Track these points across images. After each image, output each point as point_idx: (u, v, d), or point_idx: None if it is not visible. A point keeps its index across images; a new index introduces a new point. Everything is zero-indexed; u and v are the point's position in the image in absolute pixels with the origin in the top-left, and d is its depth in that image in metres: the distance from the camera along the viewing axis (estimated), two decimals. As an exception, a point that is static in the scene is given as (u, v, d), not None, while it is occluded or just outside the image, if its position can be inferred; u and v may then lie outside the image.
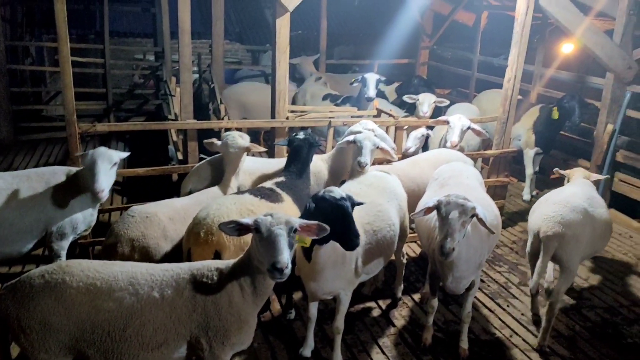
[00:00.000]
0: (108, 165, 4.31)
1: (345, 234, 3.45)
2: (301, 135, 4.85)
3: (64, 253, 4.64)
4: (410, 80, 9.26)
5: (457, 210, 3.62)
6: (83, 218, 4.59)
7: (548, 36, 9.57)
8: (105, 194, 4.28)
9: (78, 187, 4.46)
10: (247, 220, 3.06)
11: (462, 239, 3.69)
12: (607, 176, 6.39)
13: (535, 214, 4.82)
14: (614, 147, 7.41)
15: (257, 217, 3.02)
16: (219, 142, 4.85)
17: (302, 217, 3.42)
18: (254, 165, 5.29)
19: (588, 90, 8.98)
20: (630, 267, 6.18)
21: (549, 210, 4.60)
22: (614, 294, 5.56)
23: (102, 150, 4.36)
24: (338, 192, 3.54)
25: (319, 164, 5.36)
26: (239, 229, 3.07)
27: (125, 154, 4.54)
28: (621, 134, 7.50)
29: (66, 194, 4.45)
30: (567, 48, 9.69)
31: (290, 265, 2.88)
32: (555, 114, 7.41)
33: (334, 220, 3.37)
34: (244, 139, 4.83)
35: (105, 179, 4.28)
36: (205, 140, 5.01)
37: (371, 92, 7.41)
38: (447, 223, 3.63)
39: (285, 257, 2.87)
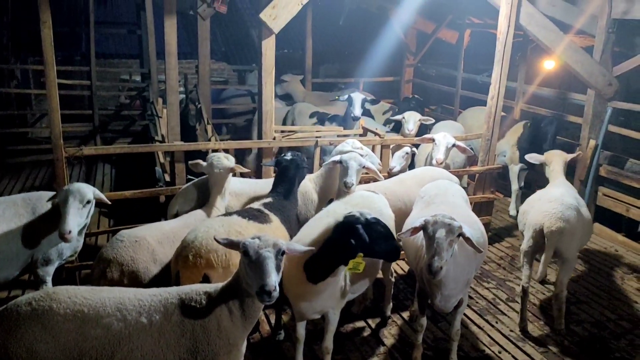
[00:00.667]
0: (79, 204, 4.24)
1: (387, 250, 3.67)
2: (288, 156, 4.88)
3: (49, 279, 4.61)
4: (408, 101, 9.30)
5: (444, 229, 3.66)
6: (69, 245, 4.56)
7: (530, 53, 9.74)
8: (72, 236, 4.16)
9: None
10: (237, 240, 3.09)
11: (450, 258, 3.72)
12: (579, 153, 6.48)
13: (533, 212, 5.09)
14: (597, 162, 7.53)
15: (245, 240, 3.04)
16: (204, 163, 4.87)
17: (357, 239, 3.57)
18: (241, 186, 5.30)
19: (570, 106, 9.13)
20: (615, 280, 6.25)
21: (548, 208, 4.96)
22: (601, 308, 5.61)
23: (76, 187, 4.27)
24: (366, 214, 3.69)
25: (307, 184, 5.38)
26: (230, 244, 3.13)
27: (103, 198, 4.51)
28: (604, 148, 7.63)
29: (52, 223, 4.41)
30: (548, 65, 9.87)
31: (278, 288, 2.90)
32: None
33: (373, 239, 3.58)
34: (229, 160, 4.87)
35: (75, 219, 4.19)
36: (190, 162, 5.03)
37: (357, 111, 7.47)
38: (434, 242, 3.66)
39: (273, 279, 2.88)
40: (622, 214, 7.31)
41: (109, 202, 4.62)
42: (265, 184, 5.30)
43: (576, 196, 5.38)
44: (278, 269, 2.98)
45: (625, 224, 7.46)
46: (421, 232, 3.97)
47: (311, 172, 4.98)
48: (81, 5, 10.72)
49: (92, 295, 3.09)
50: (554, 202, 5.02)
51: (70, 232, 4.13)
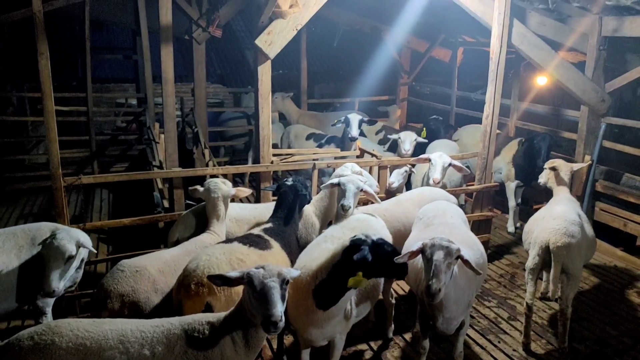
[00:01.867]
0: (61, 262, 4.19)
1: (392, 269, 3.68)
2: (289, 181, 4.90)
3: (49, 310, 4.59)
4: (428, 123, 9.34)
5: (442, 252, 3.66)
6: (68, 275, 4.55)
7: (522, 70, 9.85)
8: (58, 293, 4.17)
9: None
10: (236, 273, 3.09)
11: (449, 280, 3.72)
12: (588, 163, 6.46)
13: (538, 229, 5.13)
14: (592, 177, 7.58)
15: (250, 270, 3.05)
16: (201, 189, 4.90)
17: (359, 260, 3.56)
18: (241, 212, 5.32)
19: (564, 123, 9.22)
20: (616, 296, 6.25)
21: (553, 224, 5.02)
22: (603, 324, 5.61)
23: (57, 242, 4.18)
24: (375, 235, 3.71)
25: (307, 208, 5.40)
26: (226, 282, 3.11)
27: (91, 248, 4.47)
28: (599, 163, 7.69)
29: None
30: (541, 81, 9.98)
31: (284, 318, 2.90)
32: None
33: (378, 260, 3.59)
34: (226, 185, 4.90)
35: (58, 276, 4.17)
36: (190, 188, 5.06)
37: (354, 132, 7.52)
38: (432, 265, 3.66)
39: (279, 310, 2.89)
40: (619, 228, 7.33)
41: (95, 252, 4.62)
42: (264, 209, 5.31)
43: (580, 212, 5.45)
44: (283, 298, 2.99)
45: (624, 238, 7.48)
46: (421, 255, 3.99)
47: (307, 196, 4.97)
48: (77, 31, 10.81)
49: (94, 328, 3.08)
50: (558, 219, 5.08)
51: (54, 290, 4.14)
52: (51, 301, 4.59)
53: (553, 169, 5.84)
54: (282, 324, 2.89)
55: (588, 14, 7.21)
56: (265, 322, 2.89)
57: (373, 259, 3.57)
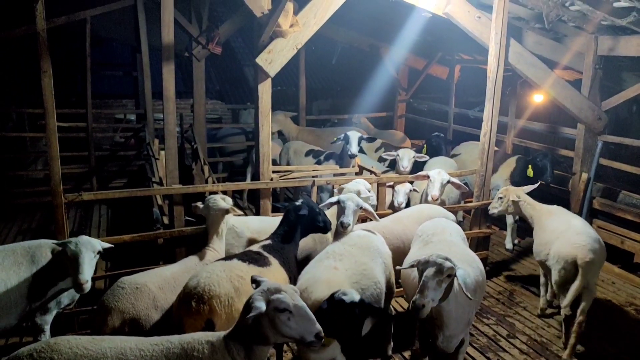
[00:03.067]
0: (92, 254, 4.31)
1: (347, 339, 3.49)
2: (299, 202, 4.94)
3: (47, 327, 4.58)
4: (429, 140, 9.41)
5: (434, 269, 3.67)
6: (67, 293, 4.56)
7: (519, 88, 9.96)
8: (88, 286, 4.23)
9: (62, 266, 4.40)
10: (259, 302, 3.09)
11: (437, 297, 3.69)
12: (537, 185, 6.56)
13: (561, 244, 5.26)
14: (590, 195, 7.63)
15: (274, 300, 3.09)
16: (201, 205, 4.97)
17: (315, 314, 3.43)
18: (261, 225, 5.43)
19: (561, 140, 9.30)
20: (614, 313, 6.26)
21: (578, 240, 5.19)
22: (601, 342, 5.62)
23: (86, 239, 4.34)
24: (351, 295, 3.53)
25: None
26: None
27: (107, 245, 4.54)
28: (596, 181, 7.74)
29: (51, 273, 4.42)
30: (537, 98, 10.08)
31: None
32: (530, 172, 7.75)
33: (340, 322, 3.43)
34: (225, 201, 4.99)
35: (89, 269, 4.26)
36: (192, 204, 5.13)
37: (354, 149, 7.56)
38: (421, 279, 3.69)
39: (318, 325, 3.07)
40: (617, 245, 7.36)
41: (113, 246, 4.66)
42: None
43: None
44: None
45: (621, 256, 7.50)
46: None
47: (316, 220, 4.99)
48: (77, 48, 10.88)
49: (93, 346, 3.08)
50: (582, 235, 5.27)
51: (87, 281, 4.20)
52: (50, 318, 4.58)
53: (516, 198, 6.07)
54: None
55: (584, 34, 7.31)
56: (315, 339, 3.07)
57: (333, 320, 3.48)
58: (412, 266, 3.88)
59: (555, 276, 5.27)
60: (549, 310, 6.19)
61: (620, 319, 6.15)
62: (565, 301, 5.13)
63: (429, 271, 3.66)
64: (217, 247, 4.88)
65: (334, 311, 3.41)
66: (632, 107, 15.20)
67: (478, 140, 7.03)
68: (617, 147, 9.62)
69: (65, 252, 4.25)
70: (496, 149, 7.48)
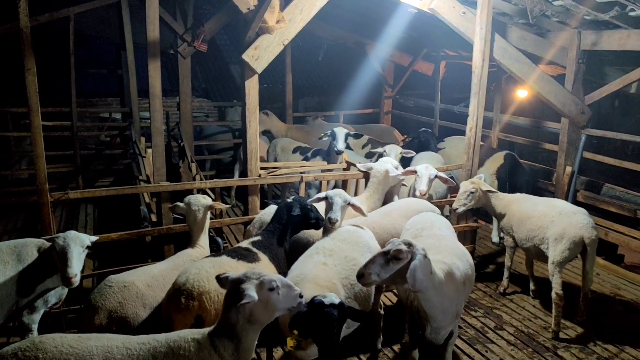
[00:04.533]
0: (80, 249, 4.27)
1: (323, 343, 3.45)
2: (290, 200, 4.98)
3: (35, 327, 4.55)
4: (418, 135, 9.51)
5: (386, 248, 3.71)
6: (54, 291, 4.53)
7: (504, 84, 10.04)
8: (77, 280, 4.19)
9: (50, 264, 4.37)
10: (251, 290, 3.12)
11: (385, 275, 3.67)
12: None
13: (561, 225, 5.53)
14: (574, 188, 7.73)
15: (265, 282, 3.16)
16: (182, 204, 4.98)
17: (293, 318, 3.49)
18: None
19: (545, 134, 9.41)
20: (599, 304, 6.36)
21: (580, 219, 5.53)
22: (587, 332, 5.70)
23: (74, 234, 4.31)
24: (330, 298, 3.52)
25: None
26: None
27: (95, 238, 4.51)
28: (580, 174, 7.85)
29: (38, 271, 4.38)
30: (522, 94, 10.18)
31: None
32: None
33: (318, 325, 3.42)
34: (205, 198, 5.02)
35: (78, 264, 4.23)
36: (169, 206, 5.19)
37: (340, 145, 7.59)
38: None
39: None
40: (601, 237, 7.45)
41: (98, 237, 4.63)
42: None
43: None
44: None
45: (605, 247, 7.60)
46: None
47: (308, 217, 5.02)
48: (61, 46, 10.78)
49: (79, 344, 3.05)
50: (580, 214, 5.61)
51: (75, 275, 4.16)
52: (37, 317, 4.55)
53: (485, 192, 6.27)
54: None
55: (567, 29, 7.40)
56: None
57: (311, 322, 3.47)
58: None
59: (558, 257, 5.49)
60: (509, 289, 6.59)
61: (605, 309, 6.24)
62: (587, 279, 5.67)
63: (387, 247, 3.73)
64: (202, 243, 4.92)
65: (313, 314, 3.43)
66: (615, 102, 15.45)
67: (463, 135, 7.09)
68: (600, 141, 9.76)
69: (54, 247, 4.22)
70: (481, 143, 7.55)
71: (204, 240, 4.91)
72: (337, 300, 3.48)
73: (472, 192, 6.26)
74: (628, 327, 5.84)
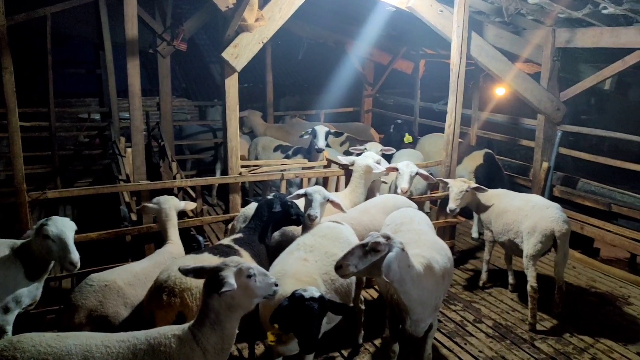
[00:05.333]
0: (73, 233, 4.29)
1: (304, 336, 3.49)
2: (271, 197, 5.02)
3: (9, 327, 4.46)
4: (392, 132, 9.65)
5: (364, 240, 3.78)
6: (28, 292, 4.44)
7: (482, 81, 10.18)
8: (78, 267, 4.21)
9: (26, 260, 4.31)
10: (230, 278, 3.16)
11: (362, 266, 3.72)
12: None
13: (534, 219, 5.67)
14: (550, 183, 7.88)
15: (243, 270, 3.21)
16: (152, 205, 5.04)
17: (274, 312, 3.53)
18: None
19: (522, 131, 9.55)
20: (575, 297, 6.49)
21: (552, 213, 5.66)
22: (563, 324, 5.82)
23: (61, 219, 4.30)
24: (311, 292, 3.55)
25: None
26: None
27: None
28: (556, 170, 8.00)
29: (10, 270, 4.30)
30: (499, 91, 10.33)
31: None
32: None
33: (298, 318, 3.45)
34: (174, 199, 5.12)
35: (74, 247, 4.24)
36: (137, 207, 5.28)
37: (321, 143, 7.64)
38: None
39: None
40: (577, 231, 7.61)
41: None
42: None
43: None
44: None
45: (581, 241, 7.76)
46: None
47: (288, 214, 5.05)
48: (38, 46, 10.65)
49: (57, 343, 3.03)
50: (553, 208, 5.76)
51: (79, 259, 4.18)
52: (11, 318, 4.46)
53: (473, 189, 6.31)
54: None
55: (542, 27, 7.54)
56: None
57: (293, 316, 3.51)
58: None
59: (531, 250, 5.62)
60: (488, 283, 6.72)
61: (581, 302, 6.38)
62: (558, 272, 5.79)
63: (365, 240, 3.78)
64: (175, 238, 4.97)
65: (294, 308, 3.47)
66: (591, 99, 15.70)
67: (442, 132, 7.18)
68: (576, 138, 9.93)
69: (46, 236, 4.16)
70: (460, 140, 7.66)
71: (176, 235, 4.99)
72: (317, 294, 3.52)
73: (465, 191, 6.29)
74: (603, 319, 5.98)
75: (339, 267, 3.72)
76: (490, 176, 8.08)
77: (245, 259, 4.45)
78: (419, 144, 9.71)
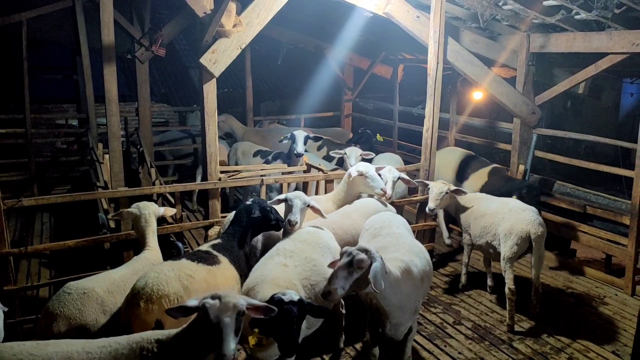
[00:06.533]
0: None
1: (284, 339, 3.49)
2: (249, 203, 5.00)
3: None
4: (360, 135, 9.66)
5: (346, 260, 3.76)
6: None
7: (459, 86, 10.32)
8: None
9: None
10: (194, 302, 3.09)
11: (349, 286, 3.75)
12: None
13: (510, 221, 5.75)
14: (527, 185, 7.98)
15: (206, 301, 3.05)
16: (127, 210, 4.96)
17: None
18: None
19: (500, 134, 9.70)
20: (552, 297, 6.59)
21: (526, 216, 5.74)
22: (541, 324, 5.90)
23: None
24: (290, 295, 3.55)
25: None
26: (186, 312, 3.11)
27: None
28: (533, 172, 8.12)
29: None
30: (477, 96, 10.48)
31: (237, 354, 2.93)
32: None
33: (278, 322, 3.44)
34: (154, 205, 5.02)
35: None
36: (112, 214, 5.18)
37: (300, 148, 7.65)
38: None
39: (231, 348, 2.95)
40: (553, 233, 7.73)
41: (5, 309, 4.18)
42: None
43: None
44: (237, 331, 3.03)
45: (558, 243, 7.87)
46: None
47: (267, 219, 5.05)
48: (13, 51, 10.52)
49: (38, 352, 3.00)
50: (528, 211, 5.83)
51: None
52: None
53: (453, 191, 6.34)
54: None
55: (517, 32, 7.68)
56: (217, 359, 2.94)
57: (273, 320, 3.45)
58: (333, 264, 3.93)
59: (507, 252, 5.70)
60: (467, 285, 6.79)
61: (558, 303, 6.48)
62: (535, 273, 5.85)
63: (342, 261, 3.77)
64: (153, 244, 4.89)
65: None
66: (567, 103, 16.01)
67: (420, 137, 7.23)
68: (554, 141, 10.10)
69: None
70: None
71: (154, 242, 4.90)
72: (296, 297, 3.53)
73: (445, 193, 6.33)
74: (580, 318, 6.08)
75: (328, 294, 3.68)
76: (501, 193, 7.02)
77: (224, 265, 4.45)
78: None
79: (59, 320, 3.84)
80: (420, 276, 4.34)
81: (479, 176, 7.99)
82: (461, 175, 8.20)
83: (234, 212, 5.44)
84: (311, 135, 8.13)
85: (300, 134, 7.73)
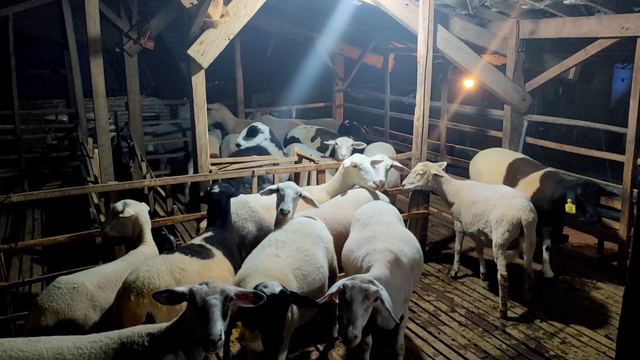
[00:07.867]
0: None
1: (266, 332, 3.48)
2: (216, 188, 4.96)
3: None
4: (345, 127, 9.64)
5: (361, 296, 3.54)
6: None
7: (450, 74, 10.30)
8: None
9: None
10: (182, 288, 3.09)
11: (365, 322, 3.61)
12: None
13: (502, 208, 5.75)
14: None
15: (193, 286, 3.06)
16: (131, 210, 4.82)
17: (239, 308, 3.45)
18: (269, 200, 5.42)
19: (491, 122, 9.70)
20: (545, 283, 6.62)
21: (518, 203, 5.75)
22: (534, 310, 5.94)
23: None
24: (272, 287, 3.48)
25: (262, 212, 5.50)
26: (173, 297, 3.10)
27: None
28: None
29: None
30: (468, 84, 10.47)
31: (223, 336, 2.93)
32: (572, 209, 6.21)
33: (260, 314, 3.43)
34: (133, 202, 4.91)
35: None
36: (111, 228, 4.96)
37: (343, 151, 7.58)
38: (350, 309, 3.54)
39: (218, 328, 2.93)
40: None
41: None
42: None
43: None
44: (225, 315, 3.02)
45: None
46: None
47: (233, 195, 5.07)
48: (0, 47, 10.42)
49: (28, 348, 3.00)
50: (519, 197, 5.85)
51: None
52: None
53: (438, 172, 6.38)
54: (220, 343, 2.92)
55: (507, 18, 7.66)
56: (203, 340, 2.93)
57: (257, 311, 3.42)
58: (332, 295, 3.68)
59: (499, 239, 5.71)
60: (460, 273, 6.81)
61: (550, 288, 6.51)
62: (525, 262, 5.90)
63: (357, 300, 3.52)
64: (149, 239, 4.87)
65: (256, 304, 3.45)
66: (559, 89, 16.03)
67: (412, 127, 7.22)
68: (546, 127, 10.11)
69: None
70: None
71: (149, 237, 4.87)
72: (277, 289, 3.49)
73: (420, 174, 6.38)
74: (572, 303, 6.11)
75: (354, 338, 3.47)
76: (555, 205, 6.41)
77: (218, 258, 4.43)
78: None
79: (47, 315, 3.83)
80: (409, 265, 4.34)
81: (530, 182, 6.75)
82: (509, 181, 6.93)
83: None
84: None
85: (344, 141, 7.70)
